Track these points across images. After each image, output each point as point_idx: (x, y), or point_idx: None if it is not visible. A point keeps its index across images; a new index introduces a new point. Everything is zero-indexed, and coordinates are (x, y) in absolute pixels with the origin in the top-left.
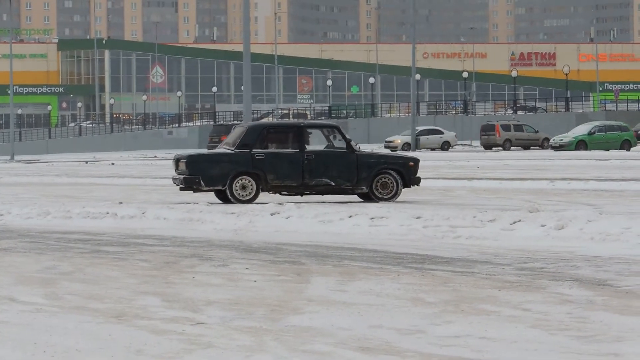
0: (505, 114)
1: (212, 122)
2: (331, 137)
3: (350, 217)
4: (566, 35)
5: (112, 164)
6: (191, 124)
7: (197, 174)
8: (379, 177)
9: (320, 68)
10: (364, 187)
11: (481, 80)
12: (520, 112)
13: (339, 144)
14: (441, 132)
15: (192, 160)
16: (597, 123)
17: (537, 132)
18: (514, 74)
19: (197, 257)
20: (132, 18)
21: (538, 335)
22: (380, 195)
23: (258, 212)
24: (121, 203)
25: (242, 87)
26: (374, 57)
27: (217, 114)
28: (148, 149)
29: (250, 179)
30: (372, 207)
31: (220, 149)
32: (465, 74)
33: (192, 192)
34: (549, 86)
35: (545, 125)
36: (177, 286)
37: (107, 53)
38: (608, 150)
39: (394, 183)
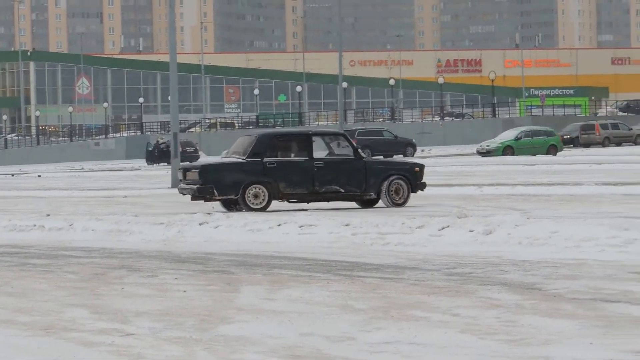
0: (432, 120)
1: (139, 133)
2: (337, 145)
3: (279, 225)
4: (492, 42)
5: (39, 176)
6: (118, 134)
7: (211, 184)
8: (391, 183)
9: (247, 77)
10: (372, 194)
11: (408, 87)
12: (447, 119)
13: (344, 151)
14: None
15: (205, 170)
16: (523, 128)
17: (631, 129)
18: (440, 80)
19: (126, 268)
20: (57, 29)
21: (467, 339)
22: (394, 201)
23: (187, 222)
24: (48, 215)
25: (169, 98)
26: (300, 65)
27: (144, 124)
28: (75, 161)
29: (262, 187)
30: (301, 216)
31: (231, 159)
32: (392, 82)
33: (203, 201)
34: (475, 92)
35: (472, 131)
36: (106, 298)
37: (32, 65)
38: (535, 155)
39: (404, 188)
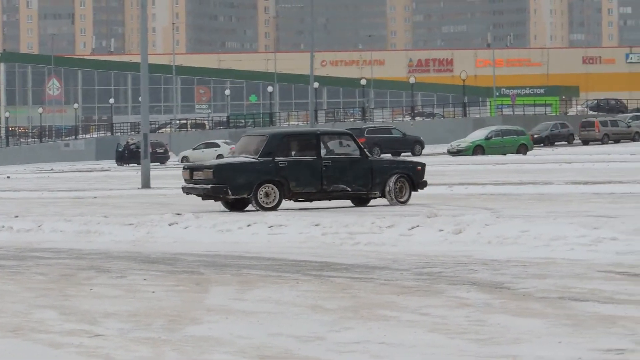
0: (403, 120)
1: (109, 134)
2: (343, 144)
3: (248, 226)
4: (463, 42)
5: (8, 177)
6: (88, 135)
7: (225, 183)
8: (395, 182)
9: (218, 78)
10: (377, 192)
11: (379, 87)
12: (418, 119)
13: (350, 150)
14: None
15: (219, 169)
16: (493, 128)
17: (630, 126)
18: (411, 80)
19: (95, 269)
20: (28, 30)
21: (437, 339)
22: (398, 200)
23: (156, 222)
24: (17, 216)
25: (140, 98)
26: (272, 66)
27: (114, 125)
28: (45, 162)
29: (274, 186)
30: (271, 216)
31: (243, 158)
32: (363, 82)
33: (214, 200)
34: (446, 92)
35: (443, 131)
36: (75, 299)
37: (2, 66)
38: (505, 154)
39: (407, 187)
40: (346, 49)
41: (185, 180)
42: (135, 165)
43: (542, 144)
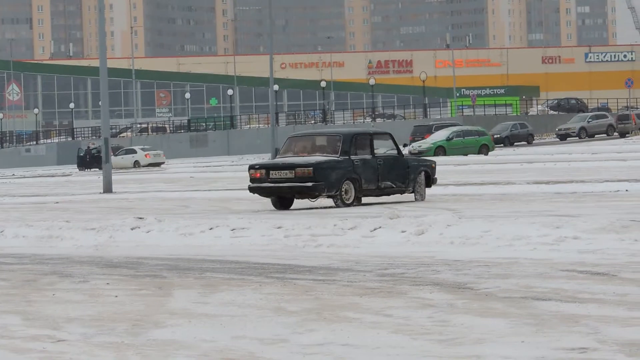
0: (364, 121)
1: (70, 139)
2: (386, 144)
3: (211, 229)
4: (422, 43)
5: None
6: (49, 141)
7: (323, 180)
8: (420, 178)
9: (178, 81)
10: (410, 188)
11: (339, 89)
12: (379, 120)
13: (389, 148)
14: None
15: (318, 167)
16: (455, 129)
17: None
18: (371, 82)
19: (57, 274)
20: None
21: (400, 340)
22: (420, 196)
23: (118, 227)
24: None
25: (100, 103)
26: (232, 69)
27: (75, 130)
28: (6, 168)
29: (351, 183)
30: (233, 219)
31: (324, 157)
32: (323, 84)
33: (309, 199)
34: (406, 93)
35: (405, 132)
36: (37, 304)
37: None
38: (466, 155)
39: (423, 183)
40: (305, 51)
41: (255, 179)
42: (97, 169)
43: (502, 144)
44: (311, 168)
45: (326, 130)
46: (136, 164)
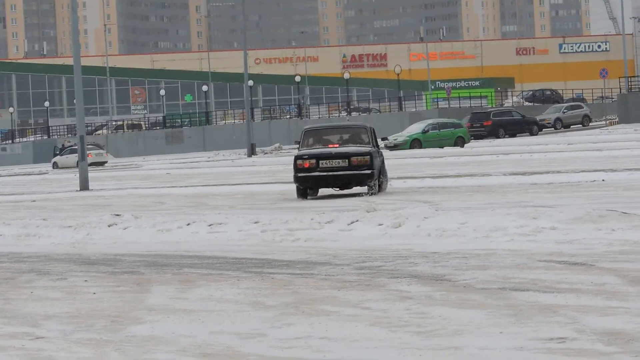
0: (339, 116)
1: (45, 137)
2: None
3: (188, 225)
4: (396, 36)
5: None
6: (25, 139)
7: (375, 169)
8: None
9: (152, 78)
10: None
11: (314, 83)
12: (354, 114)
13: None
14: None
15: (372, 156)
16: (430, 121)
17: None
18: (346, 76)
19: (35, 272)
20: None
21: (378, 332)
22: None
23: (95, 224)
24: None
25: (75, 101)
26: (206, 65)
27: (50, 128)
28: None
29: (381, 172)
30: (210, 214)
31: (358, 147)
32: (298, 78)
33: (361, 186)
34: (381, 87)
35: (380, 126)
36: (15, 302)
37: None
38: (442, 147)
39: None
40: (279, 47)
41: (304, 169)
42: (73, 167)
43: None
44: (368, 157)
45: (348, 123)
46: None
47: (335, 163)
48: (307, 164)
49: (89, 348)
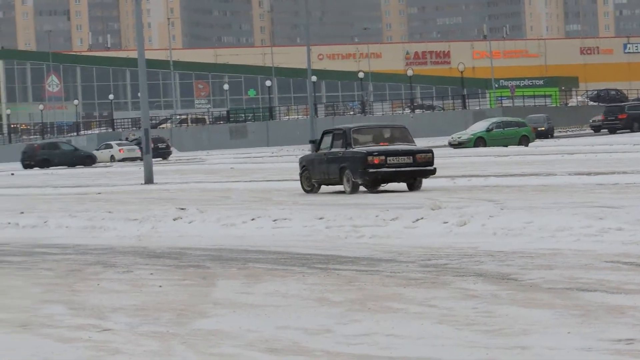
0: (403, 113)
1: (110, 130)
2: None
3: (253, 219)
4: (459, 33)
5: (12, 174)
6: (89, 132)
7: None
8: None
9: (216, 72)
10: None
11: (377, 80)
12: (418, 111)
13: None
14: None
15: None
16: (494, 120)
17: None
18: (409, 73)
19: (101, 264)
20: (24, 27)
21: (445, 330)
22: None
23: (160, 217)
24: (22, 213)
25: (139, 94)
26: (269, 60)
27: (114, 121)
28: None
29: None
30: (275, 209)
31: (409, 146)
32: (361, 75)
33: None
34: (444, 84)
35: (444, 123)
36: (82, 294)
37: (1, 63)
38: (506, 146)
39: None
40: (342, 42)
41: (374, 165)
42: (107, 162)
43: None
44: (431, 154)
45: (391, 123)
46: (112, 158)
47: (401, 160)
48: (377, 160)
49: (155, 341)
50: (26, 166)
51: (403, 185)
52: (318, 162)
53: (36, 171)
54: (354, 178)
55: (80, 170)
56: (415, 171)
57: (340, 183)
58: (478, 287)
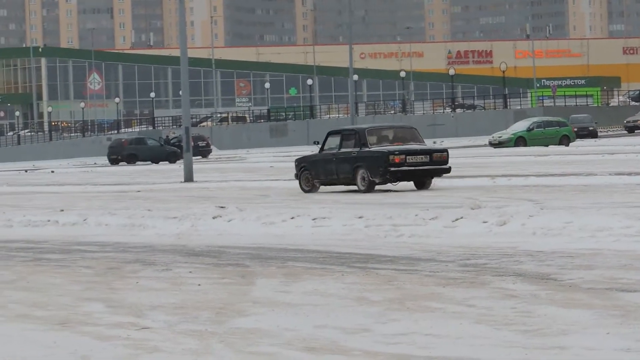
0: (444, 112)
1: (150, 128)
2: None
3: (292, 218)
4: (502, 33)
5: (52, 172)
6: (130, 129)
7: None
8: None
9: (257, 71)
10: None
11: (419, 79)
12: (459, 110)
13: None
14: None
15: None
16: (535, 119)
17: None
18: (451, 72)
19: (140, 262)
20: (67, 25)
21: (483, 330)
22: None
23: (200, 216)
24: (62, 210)
25: (180, 92)
26: (311, 58)
27: (155, 119)
28: (87, 156)
29: None
30: (315, 208)
31: (422, 145)
32: (402, 74)
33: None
34: (486, 84)
35: (484, 123)
36: (121, 292)
37: (43, 61)
38: (547, 146)
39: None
40: (384, 41)
41: (395, 164)
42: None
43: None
44: (446, 153)
45: (401, 124)
46: None
47: (419, 159)
48: (397, 159)
49: (193, 339)
50: (113, 161)
51: (411, 184)
52: (324, 163)
53: (76, 169)
54: (371, 177)
55: (120, 168)
56: (432, 170)
57: (351, 183)
58: (517, 287)
